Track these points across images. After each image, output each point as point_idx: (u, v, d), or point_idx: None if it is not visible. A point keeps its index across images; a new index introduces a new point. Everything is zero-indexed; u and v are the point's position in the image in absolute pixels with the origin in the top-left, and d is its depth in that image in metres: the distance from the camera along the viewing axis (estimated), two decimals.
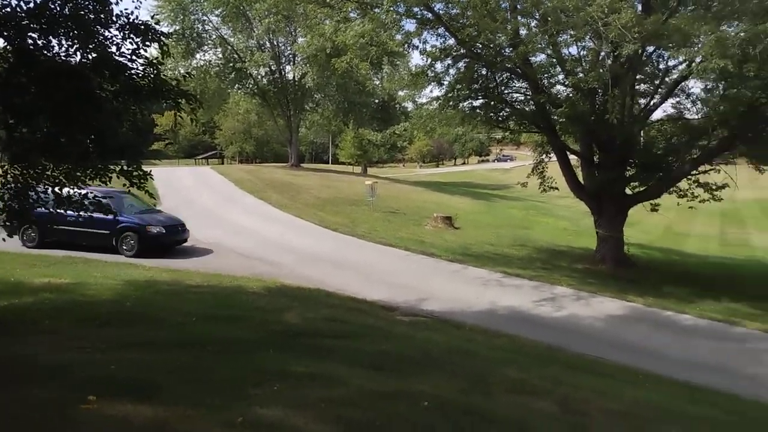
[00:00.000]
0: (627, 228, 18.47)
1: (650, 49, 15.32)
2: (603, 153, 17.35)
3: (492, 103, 17.38)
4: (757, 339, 11.28)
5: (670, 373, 8.95)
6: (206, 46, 42.93)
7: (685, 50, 12.64)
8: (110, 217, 14.69)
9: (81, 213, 15.03)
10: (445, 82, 16.54)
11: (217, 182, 32.45)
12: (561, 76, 16.94)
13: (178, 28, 38.94)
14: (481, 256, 17.56)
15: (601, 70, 13.87)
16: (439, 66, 16.24)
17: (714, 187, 17.27)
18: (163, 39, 6.83)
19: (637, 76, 16.44)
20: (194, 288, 11.56)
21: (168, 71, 34.88)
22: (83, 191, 7.47)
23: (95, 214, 14.68)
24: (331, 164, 77.38)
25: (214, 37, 43.08)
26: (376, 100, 55.65)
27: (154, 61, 6.85)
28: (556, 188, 19.40)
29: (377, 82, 47.40)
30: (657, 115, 19.17)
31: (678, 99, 17.48)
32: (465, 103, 17.24)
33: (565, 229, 28.36)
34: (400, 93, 46.60)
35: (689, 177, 17.10)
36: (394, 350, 7.50)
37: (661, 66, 16.95)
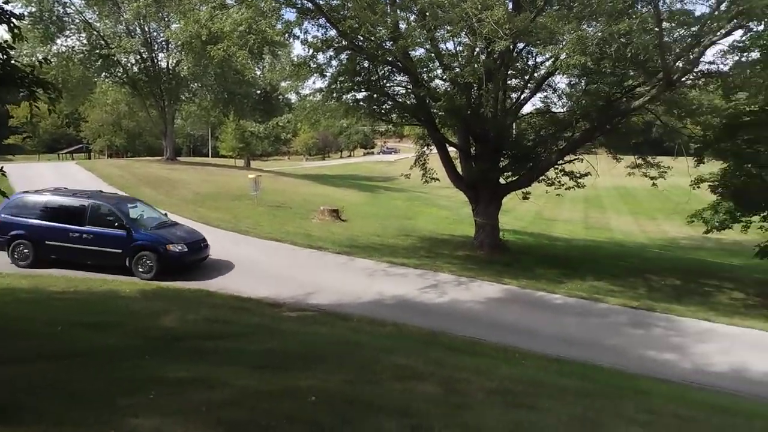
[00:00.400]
0: (502, 215, 19.55)
1: (521, 45, 16.24)
2: (479, 145, 18.19)
3: (375, 95, 17.53)
4: (616, 313, 12.48)
5: (544, 349, 9.67)
6: (68, 31, 39.27)
7: (551, 47, 13.61)
8: (122, 233, 12.99)
9: (86, 228, 12.85)
10: (328, 74, 16.45)
11: (83, 179, 29.89)
12: (439, 71, 17.43)
13: (34, 9, 35.56)
14: (368, 247, 17.77)
15: (475, 66, 14.46)
16: (321, 57, 16.12)
17: (578, 176, 18.86)
18: (14, 20, 6.15)
19: (509, 72, 17.40)
20: (59, 294, 10.66)
21: (24, 57, 31.95)
22: None
23: (104, 230, 12.89)
24: (211, 157, 74.54)
25: (77, 21, 39.51)
26: (258, 91, 54.31)
27: (4, 44, 6.15)
28: (437, 179, 20.06)
29: (258, 72, 46.23)
30: (527, 108, 20.45)
31: (546, 93, 18.81)
32: (348, 96, 17.23)
33: (446, 219, 29.47)
34: (283, 84, 45.91)
35: (556, 166, 18.40)
36: (280, 347, 7.39)
37: (531, 62, 18.09)
